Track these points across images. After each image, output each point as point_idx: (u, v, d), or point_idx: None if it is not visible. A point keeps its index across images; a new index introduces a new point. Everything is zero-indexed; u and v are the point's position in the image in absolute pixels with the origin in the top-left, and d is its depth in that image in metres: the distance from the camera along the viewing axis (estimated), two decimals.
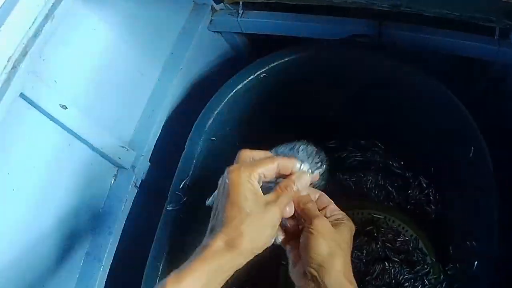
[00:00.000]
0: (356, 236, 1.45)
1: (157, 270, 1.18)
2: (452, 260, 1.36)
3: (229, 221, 0.78)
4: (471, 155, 1.26)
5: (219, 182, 0.86)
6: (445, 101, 1.30)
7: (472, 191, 1.31)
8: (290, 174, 0.88)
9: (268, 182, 0.87)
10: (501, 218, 1.15)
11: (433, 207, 1.53)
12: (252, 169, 0.83)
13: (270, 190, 0.85)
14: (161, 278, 1.16)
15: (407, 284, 1.43)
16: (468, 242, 1.26)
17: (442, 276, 1.38)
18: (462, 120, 1.28)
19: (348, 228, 0.90)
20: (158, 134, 1.36)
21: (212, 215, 0.84)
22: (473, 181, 1.30)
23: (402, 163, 1.61)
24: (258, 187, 0.82)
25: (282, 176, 0.88)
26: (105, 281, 1.23)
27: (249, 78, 1.37)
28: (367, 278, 1.47)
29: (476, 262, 1.20)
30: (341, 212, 0.93)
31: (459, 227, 1.38)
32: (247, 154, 0.91)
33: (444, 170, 1.47)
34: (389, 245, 1.49)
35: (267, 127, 1.53)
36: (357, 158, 1.65)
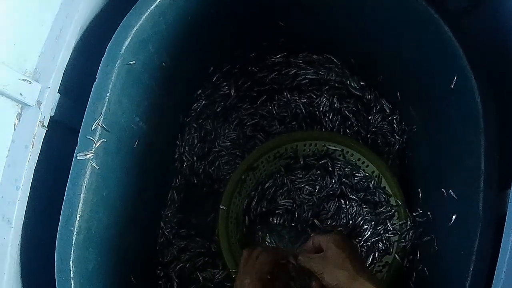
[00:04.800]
0: (307, 170, 1.29)
1: (70, 234, 0.96)
2: (421, 206, 1.18)
3: None
4: (452, 85, 1.03)
5: None
6: (417, 10, 1.05)
7: (449, 127, 1.10)
8: None
9: None
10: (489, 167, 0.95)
11: (397, 137, 1.33)
12: None
13: None
14: (75, 244, 0.96)
15: (366, 226, 1.27)
16: (443, 189, 1.07)
17: (409, 222, 1.20)
18: (439, 36, 1.04)
19: (330, 244, 0.94)
20: (68, 59, 1.09)
21: None
22: (451, 112, 1.09)
23: (362, 83, 1.38)
24: None
25: None
26: (19, 245, 1.03)
27: None
28: (321, 217, 1.31)
29: (453, 217, 1.02)
30: (323, 237, 0.98)
31: (432, 168, 1.19)
32: None
33: (413, 95, 1.25)
34: (346, 181, 1.31)
35: (203, 41, 1.26)
36: (309, 76, 1.41)
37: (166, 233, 1.34)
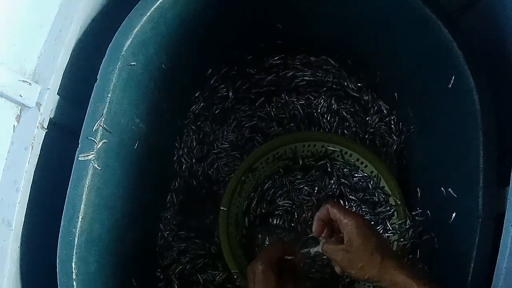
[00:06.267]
0: (306, 171, 1.29)
1: (72, 236, 0.95)
2: (420, 205, 1.19)
3: None
4: (450, 85, 1.04)
5: None
6: (414, 10, 1.06)
7: (448, 127, 1.11)
8: None
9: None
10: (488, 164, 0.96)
11: (395, 137, 1.34)
12: None
13: None
14: (78, 246, 0.96)
15: None
16: (442, 188, 1.07)
17: (408, 221, 1.21)
18: (436, 36, 1.05)
19: (353, 233, 0.86)
20: (67, 61, 1.08)
21: None
22: (450, 111, 1.10)
23: (359, 84, 1.39)
24: None
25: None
26: (19, 247, 1.01)
27: None
28: None
29: (453, 215, 1.03)
30: (343, 218, 0.89)
31: (430, 167, 1.20)
32: None
33: (410, 96, 1.26)
34: (345, 181, 1.31)
35: (202, 43, 1.26)
36: (306, 78, 1.41)
37: (166, 235, 1.34)
